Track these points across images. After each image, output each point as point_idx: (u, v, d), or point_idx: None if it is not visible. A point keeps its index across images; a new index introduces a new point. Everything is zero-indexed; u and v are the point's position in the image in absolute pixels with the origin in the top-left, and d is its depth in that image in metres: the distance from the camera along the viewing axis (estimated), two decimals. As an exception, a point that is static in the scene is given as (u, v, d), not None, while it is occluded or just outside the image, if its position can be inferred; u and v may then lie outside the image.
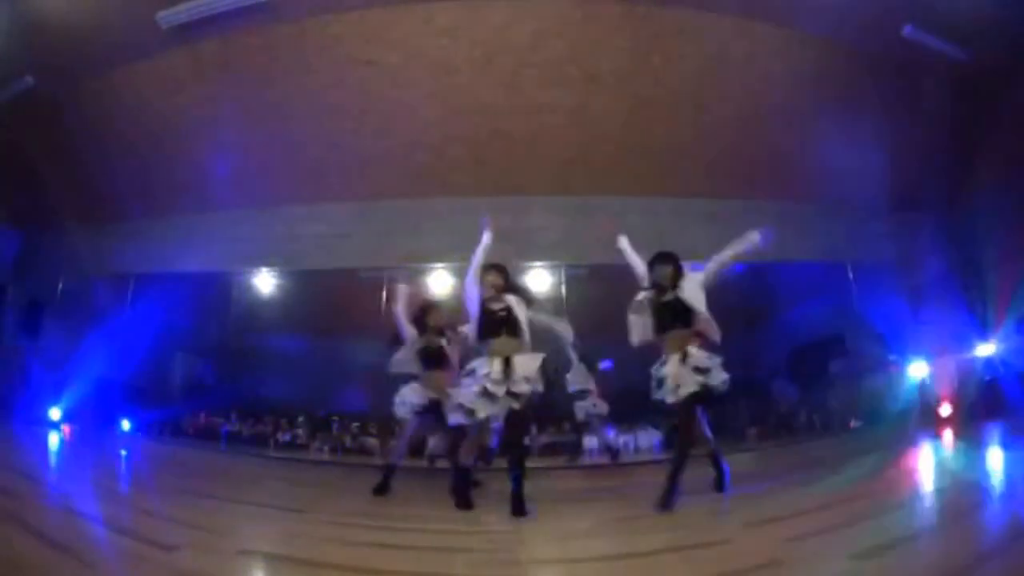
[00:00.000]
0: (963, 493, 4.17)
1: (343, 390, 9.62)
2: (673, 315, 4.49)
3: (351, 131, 8.96)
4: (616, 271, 8.95)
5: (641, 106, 8.70)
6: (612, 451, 8.16)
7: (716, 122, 8.88)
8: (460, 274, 9.30)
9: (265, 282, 10.20)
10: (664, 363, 4.42)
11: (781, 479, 5.95)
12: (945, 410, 8.74)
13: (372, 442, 9.20)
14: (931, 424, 8.55)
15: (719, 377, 4.34)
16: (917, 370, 9.23)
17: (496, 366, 4.31)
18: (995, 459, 5.63)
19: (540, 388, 4.40)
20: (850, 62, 8.29)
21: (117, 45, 7.91)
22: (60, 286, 10.54)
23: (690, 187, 9.56)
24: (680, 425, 4.43)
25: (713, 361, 4.37)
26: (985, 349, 9.12)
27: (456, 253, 9.31)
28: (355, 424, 9.41)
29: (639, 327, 4.70)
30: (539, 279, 9.59)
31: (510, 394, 4.29)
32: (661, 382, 4.36)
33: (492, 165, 9.20)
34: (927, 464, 6.10)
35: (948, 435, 7.80)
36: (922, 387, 9.05)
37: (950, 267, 9.19)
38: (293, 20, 7.83)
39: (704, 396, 4.31)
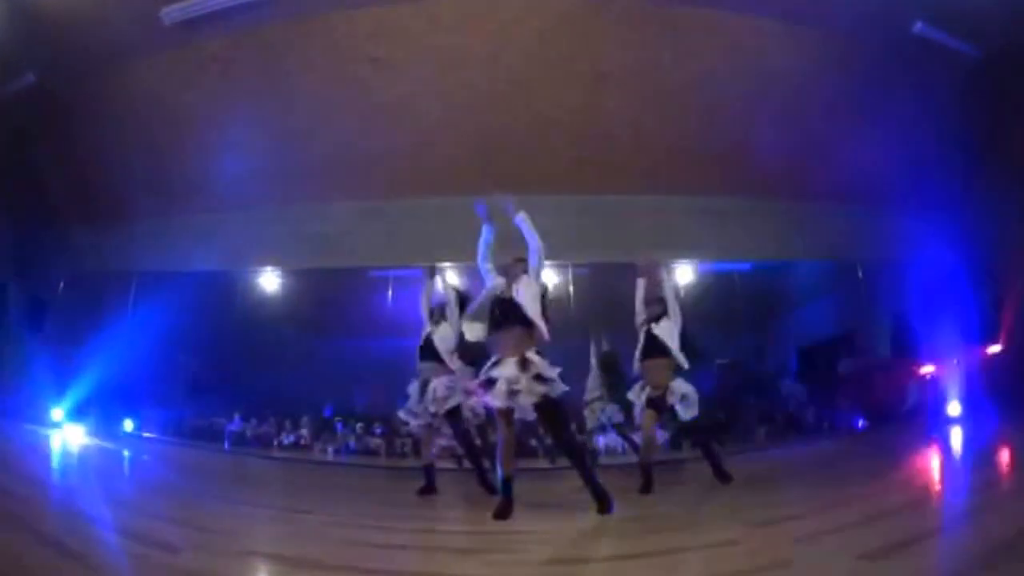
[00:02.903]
0: (973, 493, 4.16)
1: (348, 390, 9.59)
2: (506, 315, 4.34)
3: (357, 129, 8.91)
4: (623, 270, 8.96)
5: (650, 103, 8.64)
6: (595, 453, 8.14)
7: (726, 120, 8.81)
8: (467, 273, 9.37)
9: (270, 281, 10.17)
10: (496, 363, 4.23)
11: (790, 479, 5.94)
12: (954, 409, 8.70)
13: (377, 443, 9.17)
14: (940, 423, 8.51)
15: (558, 389, 4.21)
16: (927, 369, 9.18)
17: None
18: (1005, 458, 5.60)
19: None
20: (860, 59, 8.24)
21: (120, 42, 7.87)
22: (62, 285, 10.50)
23: (699, 185, 9.47)
24: (554, 433, 4.39)
25: (554, 371, 4.21)
26: (996, 348, 9.08)
27: (463, 252, 9.32)
28: (359, 425, 9.37)
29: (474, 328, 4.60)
30: (546, 278, 9.51)
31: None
32: (492, 383, 4.16)
33: (499, 163, 9.12)
34: (936, 463, 6.08)
35: (957, 434, 7.77)
36: (932, 386, 9.00)
37: (960, 266, 9.13)
38: (298, 17, 7.80)
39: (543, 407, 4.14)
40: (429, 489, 5.54)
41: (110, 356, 9.07)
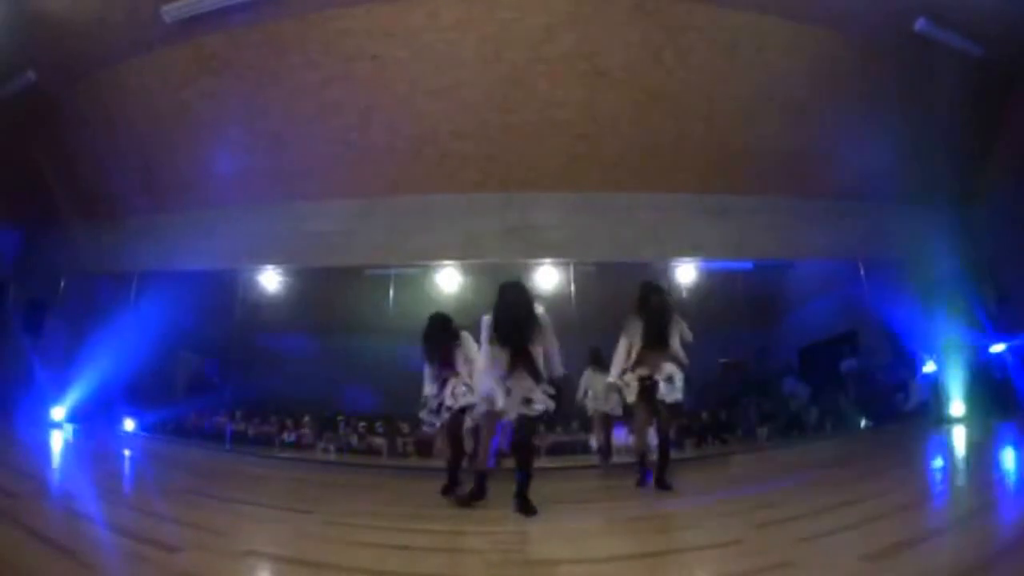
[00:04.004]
0: (975, 493, 4.16)
1: (349, 389, 9.58)
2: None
3: (357, 127, 8.89)
4: (623, 268, 8.97)
5: (651, 101, 8.62)
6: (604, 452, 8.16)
7: (726, 117, 8.79)
8: (468, 271, 9.37)
9: (270, 280, 10.15)
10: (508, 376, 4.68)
11: (792, 479, 5.93)
12: (957, 409, 8.69)
13: (379, 442, 9.16)
14: (943, 423, 8.50)
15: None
16: (929, 368, 9.17)
17: None
18: (1007, 458, 5.60)
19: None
20: (862, 57, 8.24)
21: (120, 39, 7.86)
22: (62, 284, 10.48)
23: (700, 183, 9.44)
24: (527, 437, 4.68)
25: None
26: (998, 347, 9.06)
27: (464, 250, 9.32)
28: (361, 424, 9.36)
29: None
30: (547, 276, 9.52)
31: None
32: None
33: (500, 161, 9.12)
34: (938, 463, 6.07)
35: (960, 434, 7.77)
36: (934, 386, 8.99)
37: (963, 264, 9.12)
38: (298, 15, 7.79)
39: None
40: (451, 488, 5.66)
41: (110, 355, 9.07)
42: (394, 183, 9.45)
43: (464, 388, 5.50)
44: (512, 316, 4.71)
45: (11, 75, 8.21)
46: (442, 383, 5.73)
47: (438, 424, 5.81)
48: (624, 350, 5.72)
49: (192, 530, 3.35)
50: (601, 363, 7.39)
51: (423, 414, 5.89)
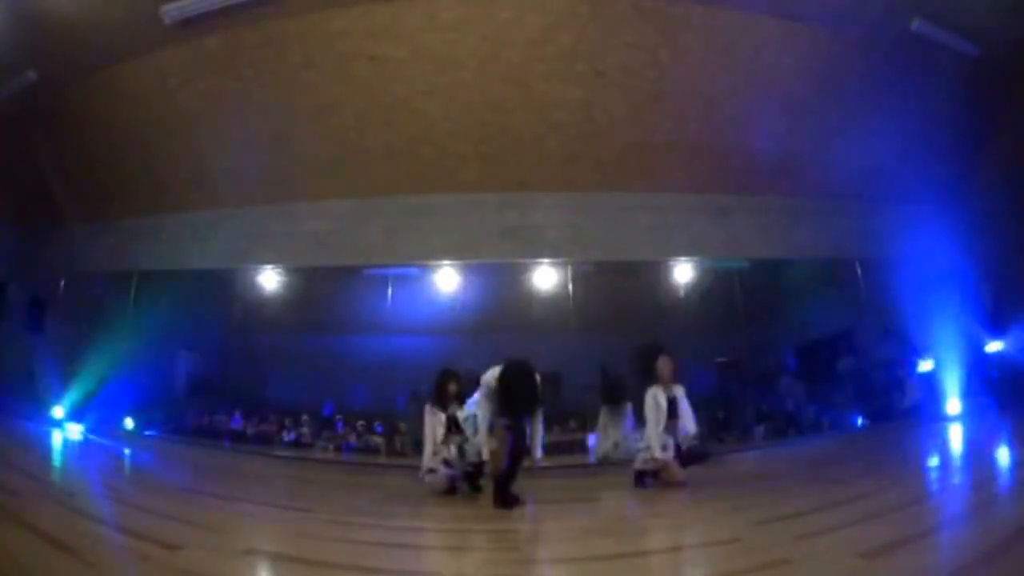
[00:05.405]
0: (971, 490, 4.16)
1: (348, 389, 9.58)
2: None
3: (355, 127, 8.91)
4: (621, 268, 8.97)
5: (648, 101, 8.62)
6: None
7: (724, 117, 8.80)
8: (466, 271, 9.38)
9: (269, 280, 10.15)
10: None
11: (789, 477, 5.95)
12: (953, 407, 8.70)
13: (377, 441, 9.17)
14: (940, 421, 8.51)
15: None
16: (926, 367, 9.18)
17: None
18: (1004, 456, 5.61)
19: None
20: (858, 56, 8.24)
21: (120, 40, 7.87)
22: (62, 284, 10.49)
23: (697, 183, 9.47)
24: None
25: None
26: (995, 345, 9.08)
27: (462, 250, 9.33)
28: (360, 423, 9.37)
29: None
30: (545, 276, 9.54)
31: None
32: None
33: (498, 161, 9.13)
34: (935, 461, 6.08)
35: (956, 432, 7.78)
36: (931, 384, 9.00)
37: (960, 262, 9.12)
38: (297, 15, 7.79)
39: None
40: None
41: (111, 355, 9.07)
42: (392, 183, 9.46)
43: None
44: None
45: (11, 75, 8.23)
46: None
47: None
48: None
49: (192, 528, 3.37)
50: (614, 398, 7.18)
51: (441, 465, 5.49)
